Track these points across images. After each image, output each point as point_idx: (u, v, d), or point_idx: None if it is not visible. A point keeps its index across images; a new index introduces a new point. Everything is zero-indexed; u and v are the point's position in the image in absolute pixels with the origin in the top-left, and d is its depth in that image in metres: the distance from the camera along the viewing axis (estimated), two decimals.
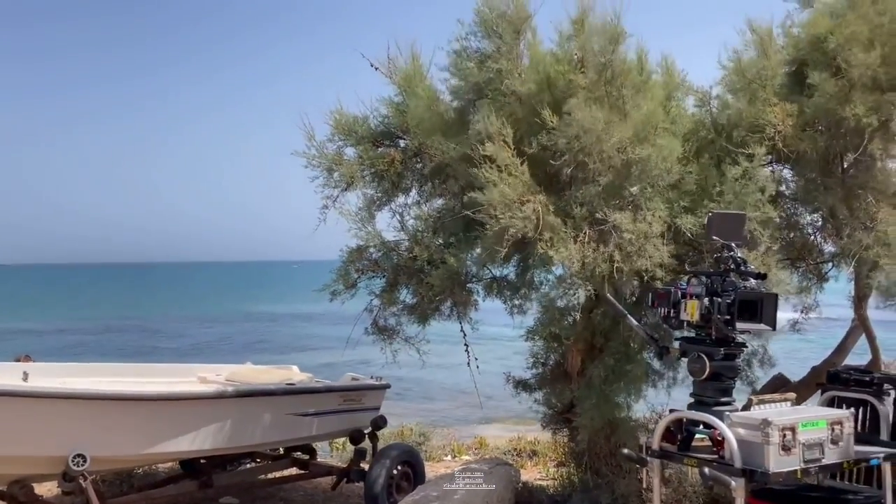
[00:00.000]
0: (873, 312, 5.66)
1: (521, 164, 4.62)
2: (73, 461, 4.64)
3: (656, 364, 5.26)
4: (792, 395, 3.93)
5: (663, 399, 5.45)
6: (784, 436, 3.38)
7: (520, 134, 4.74)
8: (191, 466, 6.04)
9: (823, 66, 4.77)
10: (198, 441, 5.27)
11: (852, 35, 4.57)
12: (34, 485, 5.06)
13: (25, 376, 5.09)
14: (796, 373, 6.04)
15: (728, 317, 3.68)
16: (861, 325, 5.77)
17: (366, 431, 6.42)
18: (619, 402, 5.16)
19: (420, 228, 5.72)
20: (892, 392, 4.22)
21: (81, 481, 4.72)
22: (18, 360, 5.68)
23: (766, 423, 3.36)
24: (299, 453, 6.61)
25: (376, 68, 5.91)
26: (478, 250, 5.18)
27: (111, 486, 6.13)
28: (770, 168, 5.19)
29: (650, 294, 4.06)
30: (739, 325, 3.70)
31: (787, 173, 5.45)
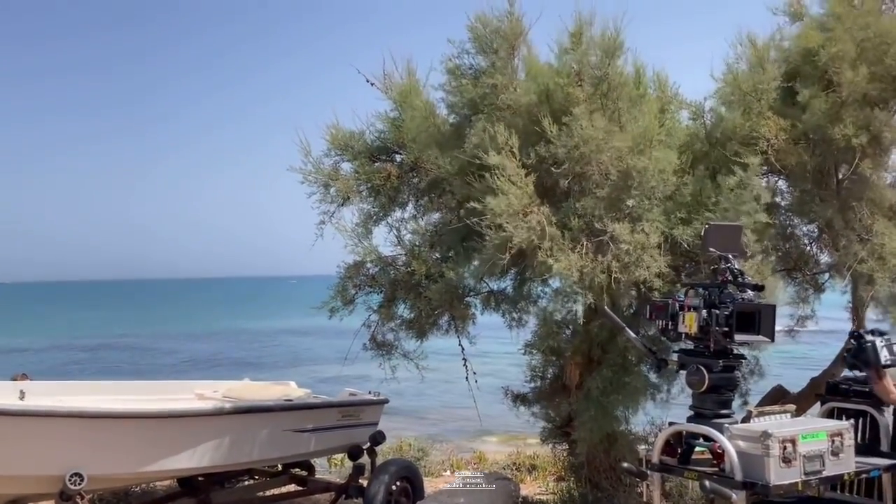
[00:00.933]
0: (871, 323, 5.66)
1: (526, 175, 4.64)
2: (70, 480, 4.60)
3: (654, 377, 5.26)
4: (792, 406, 3.92)
5: (661, 412, 5.44)
6: (784, 448, 3.37)
7: (517, 146, 4.75)
8: (189, 484, 5.99)
9: (814, 79, 4.80)
10: (195, 458, 5.24)
11: (840, 53, 4.60)
12: None
13: (22, 395, 5.06)
14: (795, 384, 6.04)
15: (726, 329, 3.67)
16: None
17: (364, 447, 6.38)
18: (617, 414, 5.15)
19: (417, 243, 5.73)
20: None
21: (78, 500, 4.68)
22: (15, 379, 5.64)
23: (766, 435, 3.35)
24: (298, 469, 6.57)
25: (372, 84, 5.93)
26: (475, 263, 5.19)
27: None
28: (765, 179, 5.22)
29: (648, 306, 4.05)
30: (738, 337, 3.68)
31: (782, 185, 5.48)
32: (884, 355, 3.84)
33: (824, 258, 5.62)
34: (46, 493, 4.90)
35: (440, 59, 5.32)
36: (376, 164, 5.90)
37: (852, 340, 3.95)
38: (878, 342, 3.86)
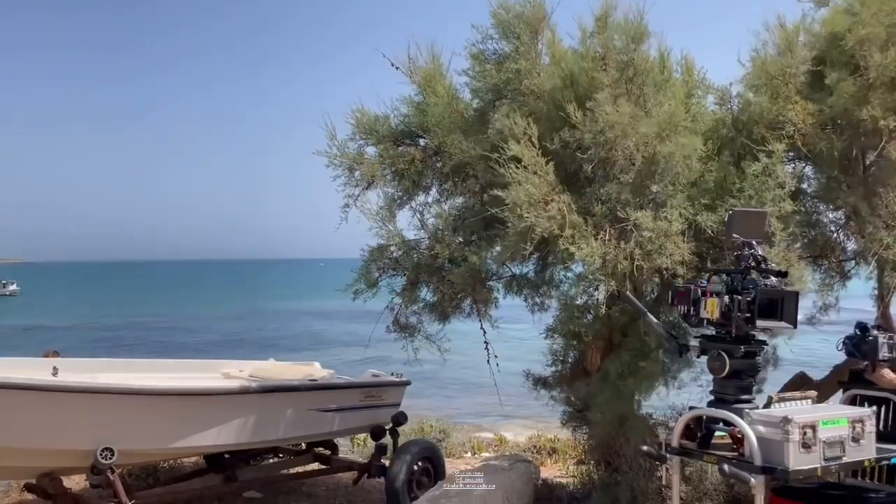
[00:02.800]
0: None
1: (547, 163, 4.65)
2: (101, 454, 4.73)
3: (671, 361, 5.26)
4: (813, 392, 3.92)
5: (678, 397, 5.45)
6: (804, 433, 3.38)
7: (540, 131, 4.76)
8: (215, 461, 6.13)
9: (842, 64, 4.74)
10: (222, 436, 5.35)
11: (869, 35, 4.54)
12: (63, 478, 5.16)
13: (55, 371, 5.19)
14: (818, 372, 6.00)
15: (748, 315, 3.67)
16: (884, 322, 5.71)
17: (386, 427, 6.47)
18: (632, 398, 5.16)
19: (440, 227, 5.75)
20: None
21: (109, 474, 4.81)
22: (47, 356, 5.79)
23: (786, 420, 3.36)
24: (321, 448, 6.68)
25: (397, 67, 5.95)
26: (498, 248, 5.21)
27: (137, 480, 6.24)
28: (791, 165, 5.17)
29: (670, 292, 4.07)
30: (760, 323, 3.69)
31: (809, 171, 5.42)
32: (883, 351, 4.09)
33: (851, 245, 5.56)
34: (78, 467, 5.04)
35: (464, 43, 5.33)
36: (400, 148, 5.93)
37: (857, 330, 4.19)
38: (882, 338, 4.11)
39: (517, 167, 4.53)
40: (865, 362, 4.23)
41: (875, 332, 4.17)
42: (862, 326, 4.23)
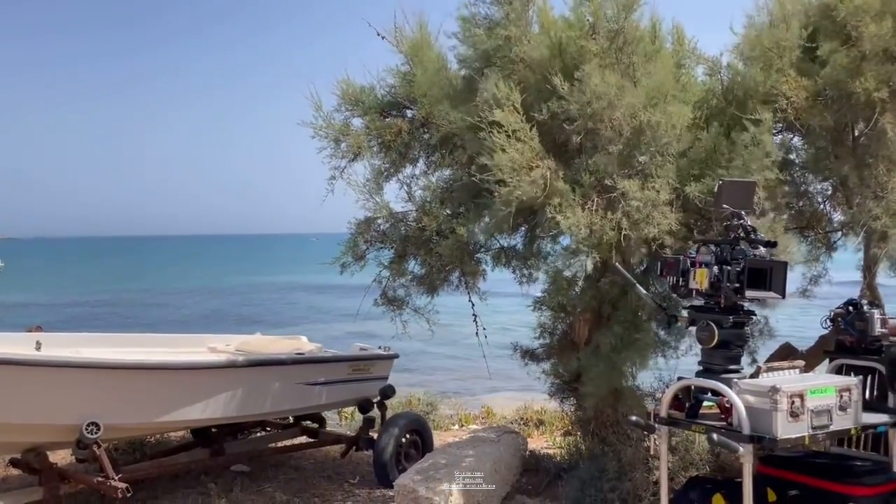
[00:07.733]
0: (883, 280, 5.63)
1: (531, 129, 4.59)
2: (86, 429, 4.70)
3: (664, 333, 5.27)
4: (801, 362, 3.94)
5: (670, 371, 5.46)
6: (792, 402, 3.39)
7: (529, 100, 4.71)
8: (202, 435, 6.12)
9: (834, 34, 4.69)
10: (209, 410, 5.33)
11: (863, 6, 4.49)
12: (48, 452, 5.13)
13: (38, 346, 5.15)
14: (804, 342, 6.03)
15: (737, 285, 3.67)
16: (870, 293, 5.74)
17: (374, 401, 6.49)
18: (625, 370, 5.17)
19: (428, 199, 5.72)
20: None
21: (95, 449, 4.80)
22: (30, 331, 5.74)
23: (774, 389, 3.37)
24: (309, 422, 6.69)
25: (383, 37, 5.87)
26: (486, 220, 5.17)
27: (124, 455, 6.22)
28: (780, 136, 5.15)
29: (659, 263, 4.05)
30: (748, 294, 3.68)
31: (797, 141, 5.40)
32: (877, 328, 4.12)
33: (837, 216, 5.57)
34: (64, 442, 5.01)
35: (454, 8, 5.25)
36: (387, 120, 5.87)
37: (850, 308, 4.19)
38: (877, 314, 4.12)
39: (501, 133, 4.48)
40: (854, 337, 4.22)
41: (868, 307, 4.18)
42: (856, 304, 4.23)
